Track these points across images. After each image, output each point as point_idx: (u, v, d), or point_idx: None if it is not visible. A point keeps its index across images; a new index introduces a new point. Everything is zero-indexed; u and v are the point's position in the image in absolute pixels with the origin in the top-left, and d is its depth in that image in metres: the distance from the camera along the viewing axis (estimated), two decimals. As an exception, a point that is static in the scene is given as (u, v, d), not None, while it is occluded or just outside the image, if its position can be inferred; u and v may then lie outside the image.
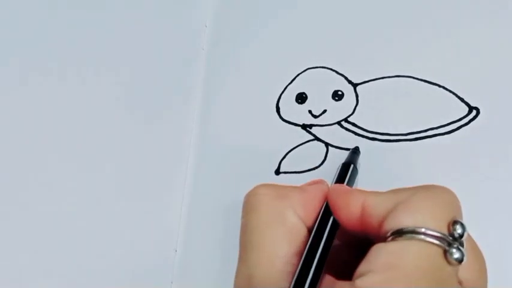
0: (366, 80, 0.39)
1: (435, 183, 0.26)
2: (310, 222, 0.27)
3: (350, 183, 0.32)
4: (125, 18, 0.46)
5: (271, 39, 0.42)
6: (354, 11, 0.41)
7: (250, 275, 0.26)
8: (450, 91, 0.37)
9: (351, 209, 0.26)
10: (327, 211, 0.28)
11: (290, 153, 0.38)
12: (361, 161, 0.37)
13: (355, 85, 0.39)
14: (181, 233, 0.38)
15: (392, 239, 0.24)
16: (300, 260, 0.26)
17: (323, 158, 0.37)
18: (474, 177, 0.34)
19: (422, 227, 0.23)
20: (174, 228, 0.38)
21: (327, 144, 0.38)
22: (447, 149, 0.35)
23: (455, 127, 0.36)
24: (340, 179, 0.31)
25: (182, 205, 0.39)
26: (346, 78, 0.39)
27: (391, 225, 0.24)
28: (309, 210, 0.28)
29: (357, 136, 0.37)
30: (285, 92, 0.40)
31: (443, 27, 0.39)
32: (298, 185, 0.30)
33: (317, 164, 0.37)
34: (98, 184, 0.40)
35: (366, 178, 0.36)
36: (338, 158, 0.37)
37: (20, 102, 0.44)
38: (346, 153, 0.37)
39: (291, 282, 0.25)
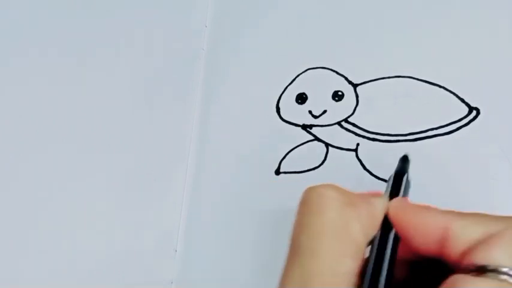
0: (366, 80, 0.39)
1: None
2: (370, 237, 0.25)
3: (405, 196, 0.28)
4: (125, 18, 0.46)
5: (271, 39, 0.42)
6: (354, 11, 0.41)
7: (307, 281, 0.23)
8: (450, 91, 0.37)
9: (429, 231, 0.24)
10: (386, 227, 0.25)
11: (290, 153, 0.38)
12: (362, 162, 0.37)
13: (355, 85, 0.39)
14: (181, 233, 0.38)
15: (477, 274, 0.22)
16: (357, 279, 0.23)
17: (323, 158, 0.37)
18: (474, 177, 0.34)
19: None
20: (174, 228, 0.38)
21: (327, 145, 0.38)
22: (447, 150, 0.35)
23: (455, 127, 0.36)
24: (394, 191, 0.28)
25: (182, 205, 0.39)
26: (346, 78, 0.39)
27: (478, 258, 0.22)
28: (373, 225, 0.25)
29: (357, 136, 0.37)
30: (285, 93, 0.40)
31: (443, 28, 0.39)
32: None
33: (317, 164, 0.37)
34: (98, 184, 0.40)
35: (366, 178, 0.36)
36: (338, 158, 0.37)
37: (20, 101, 0.44)
38: (346, 153, 0.37)
39: None
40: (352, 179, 0.36)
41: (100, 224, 0.39)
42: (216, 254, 0.37)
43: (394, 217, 0.25)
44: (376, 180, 0.36)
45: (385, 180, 0.36)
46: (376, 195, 0.27)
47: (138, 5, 0.46)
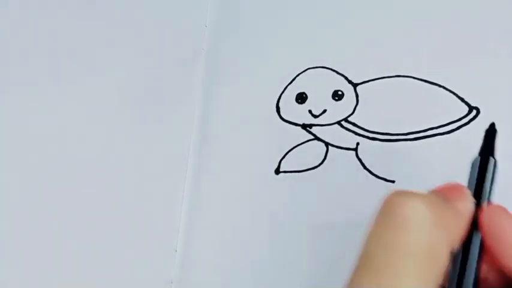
0: (366, 80, 0.39)
1: None
2: (455, 248, 0.23)
3: (491, 188, 0.25)
4: (125, 18, 0.46)
5: (271, 39, 0.42)
6: (354, 11, 0.41)
7: None
8: (450, 91, 0.37)
9: None
10: (471, 232, 0.23)
11: (290, 153, 0.38)
12: (362, 161, 0.37)
13: (355, 85, 0.39)
14: (181, 233, 0.38)
15: None
16: None
17: (323, 157, 0.37)
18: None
19: None
20: (174, 228, 0.38)
21: (327, 144, 0.38)
22: (447, 149, 0.35)
23: (455, 127, 0.36)
24: (479, 185, 0.25)
25: (182, 205, 0.39)
26: (346, 78, 0.39)
27: None
28: (460, 238, 0.23)
29: (357, 136, 0.37)
30: (285, 92, 0.40)
31: (443, 27, 0.39)
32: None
33: (317, 164, 0.37)
34: (98, 184, 0.40)
35: (366, 178, 0.36)
36: (338, 157, 0.37)
37: (15, 104, 0.44)
38: (346, 153, 0.37)
39: None
40: (352, 178, 0.36)
41: (100, 224, 0.39)
42: (216, 254, 0.37)
43: (488, 229, 0.23)
44: (376, 179, 0.36)
45: (385, 180, 0.36)
46: (458, 191, 0.24)
47: (138, 5, 0.46)
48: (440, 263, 0.21)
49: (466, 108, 0.36)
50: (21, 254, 0.39)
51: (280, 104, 0.40)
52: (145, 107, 0.42)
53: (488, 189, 0.24)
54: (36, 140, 0.42)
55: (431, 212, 0.22)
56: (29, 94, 0.44)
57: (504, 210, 0.24)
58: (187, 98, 0.42)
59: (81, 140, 0.42)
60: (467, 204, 0.23)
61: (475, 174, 0.24)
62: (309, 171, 0.37)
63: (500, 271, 0.23)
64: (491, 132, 0.26)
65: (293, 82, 0.40)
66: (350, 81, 0.39)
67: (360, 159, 0.36)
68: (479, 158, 0.25)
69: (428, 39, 0.39)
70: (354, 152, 0.37)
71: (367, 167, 0.36)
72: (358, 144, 0.37)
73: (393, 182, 0.35)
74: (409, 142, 0.36)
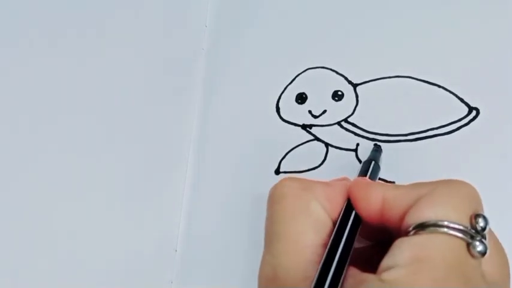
0: (366, 80, 0.39)
1: (453, 178, 0.26)
2: (334, 215, 0.27)
3: (372, 179, 0.32)
4: (125, 18, 0.46)
5: (271, 39, 0.42)
6: (354, 11, 0.41)
7: (276, 264, 0.25)
8: (450, 91, 0.37)
9: (371, 201, 0.26)
10: (349, 205, 0.28)
11: (290, 153, 0.38)
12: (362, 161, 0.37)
13: (355, 85, 0.39)
14: (181, 233, 0.38)
15: (415, 233, 0.24)
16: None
17: (323, 158, 0.37)
18: (474, 177, 0.34)
19: (445, 220, 0.23)
20: (174, 228, 0.38)
21: (327, 144, 0.38)
22: (447, 149, 0.35)
23: (455, 127, 0.36)
24: (362, 173, 0.32)
25: (182, 205, 0.39)
26: (346, 78, 0.39)
27: (414, 218, 0.24)
28: (333, 204, 0.27)
29: (356, 136, 0.37)
30: (285, 92, 0.40)
31: (443, 27, 0.39)
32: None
33: (317, 164, 0.37)
34: (98, 184, 0.40)
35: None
36: (338, 158, 0.37)
37: (20, 98, 0.44)
38: (346, 153, 0.37)
39: (317, 272, 0.24)
40: (352, 178, 0.36)
41: (100, 224, 0.39)
42: (216, 254, 0.37)
43: (350, 193, 0.28)
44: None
45: (385, 180, 0.36)
46: (340, 180, 0.30)
47: (138, 5, 0.46)
48: (312, 214, 0.26)
49: (466, 109, 0.36)
50: (21, 254, 0.39)
51: (280, 104, 0.40)
52: (146, 107, 0.42)
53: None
54: (35, 140, 0.42)
55: (296, 182, 0.28)
56: (29, 93, 0.44)
57: (365, 178, 0.31)
58: (188, 97, 0.42)
59: (81, 140, 0.42)
60: (340, 181, 0.29)
61: (359, 171, 0.32)
62: (309, 172, 0.37)
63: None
64: (377, 149, 0.35)
65: (293, 82, 0.40)
66: (350, 82, 0.39)
67: (359, 160, 0.37)
68: (364, 161, 0.33)
69: (428, 39, 0.39)
70: (353, 153, 0.37)
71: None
72: (358, 144, 0.37)
73: (393, 182, 0.35)
74: (409, 143, 0.36)
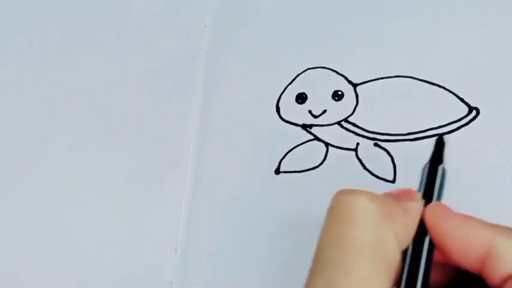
0: (366, 80, 0.39)
1: None
2: (405, 245, 0.23)
3: (440, 191, 0.25)
4: (125, 18, 0.46)
5: (271, 39, 0.42)
6: (354, 11, 0.41)
7: None
8: (450, 91, 0.37)
9: (470, 246, 0.22)
10: (421, 232, 0.23)
11: (290, 153, 0.38)
12: (361, 161, 0.37)
13: (355, 85, 0.39)
14: (181, 233, 0.38)
15: None
16: None
17: (323, 158, 0.37)
18: (474, 177, 0.34)
19: None
20: (174, 228, 0.38)
21: (327, 144, 0.38)
22: (447, 149, 0.35)
23: (455, 127, 0.36)
24: (429, 187, 0.25)
25: (182, 205, 0.39)
26: (346, 78, 0.39)
27: None
28: (409, 236, 0.23)
29: (357, 136, 0.37)
30: (285, 92, 0.40)
31: (443, 27, 0.39)
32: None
33: (317, 164, 0.37)
34: (98, 184, 0.40)
35: (366, 178, 0.36)
36: (338, 157, 0.37)
37: (19, 97, 0.44)
38: (346, 153, 0.37)
39: None
40: (352, 178, 0.36)
41: (100, 224, 0.39)
42: (216, 254, 0.37)
43: (431, 225, 0.23)
44: (377, 179, 0.36)
45: (385, 180, 0.36)
46: (409, 194, 0.24)
47: (138, 5, 0.46)
48: (389, 255, 0.22)
49: (466, 109, 0.36)
50: (20, 253, 0.39)
51: (280, 104, 0.40)
52: (145, 107, 0.42)
53: (437, 193, 0.25)
54: (35, 140, 0.42)
55: (377, 206, 0.22)
56: (29, 93, 0.44)
57: (445, 206, 0.24)
58: (187, 97, 0.42)
59: (80, 140, 0.42)
60: (415, 203, 0.24)
61: (425, 179, 0.25)
62: (309, 172, 0.37)
63: (447, 266, 0.24)
64: (440, 143, 0.27)
65: (293, 82, 0.40)
66: (350, 82, 0.39)
67: (359, 160, 0.37)
68: (428, 164, 0.26)
69: (428, 39, 0.39)
70: (353, 152, 0.37)
71: (367, 167, 0.36)
72: (358, 144, 0.37)
73: (393, 182, 0.35)
74: (409, 142, 0.36)
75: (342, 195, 0.23)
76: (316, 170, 0.37)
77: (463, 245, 0.22)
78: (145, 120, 0.42)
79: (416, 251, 0.23)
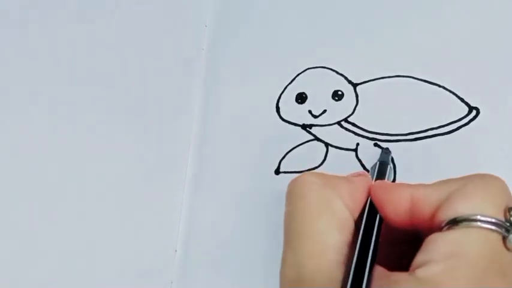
0: (366, 80, 0.39)
1: (486, 173, 0.26)
2: (356, 213, 0.27)
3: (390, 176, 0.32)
4: (125, 18, 0.46)
5: (271, 39, 0.42)
6: (354, 11, 0.42)
7: (300, 264, 0.25)
8: (450, 91, 0.37)
9: (399, 203, 0.26)
10: (372, 206, 0.27)
11: (290, 153, 0.38)
12: (361, 162, 0.37)
13: (355, 85, 0.39)
14: (181, 233, 0.38)
15: (448, 228, 0.24)
16: (349, 250, 0.25)
17: (323, 158, 0.37)
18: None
19: (478, 215, 0.23)
20: (174, 228, 0.38)
21: (327, 144, 0.38)
22: (447, 149, 0.35)
23: (455, 127, 0.36)
24: (380, 175, 0.31)
25: (182, 205, 0.39)
26: (346, 78, 0.39)
27: (447, 214, 0.24)
28: (356, 201, 0.27)
29: (357, 136, 0.37)
30: (285, 92, 0.40)
31: (443, 27, 0.39)
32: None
33: (317, 164, 0.37)
34: (98, 184, 0.40)
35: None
36: (338, 158, 0.37)
37: (18, 104, 0.44)
38: (346, 153, 0.37)
39: (346, 273, 0.24)
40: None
41: (100, 224, 0.39)
42: (216, 254, 0.37)
43: (373, 195, 0.27)
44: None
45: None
46: (360, 175, 0.29)
47: (138, 5, 0.46)
48: (338, 213, 0.26)
49: (466, 109, 0.36)
50: (20, 253, 0.39)
51: (280, 104, 0.40)
52: (146, 107, 0.42)
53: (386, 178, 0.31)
54: (35, 141, 0.42)
55: (318, 177, 0.27)
56: (29, 95, 0.44)
57: (384, 181, 0.30)
58: (188, 98, 0.42)
59: (80, 140, 0.42)
60: (361, 177, 0.29)
61: (375, 173, 0.32)
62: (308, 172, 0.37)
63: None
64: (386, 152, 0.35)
65: (293, 82, 0.40)
66: (350, 81, 0.39)
67: (359, 160, 0.37)
68: (378, 163, 0.33)
69: (429, 39, 0.39)
70: (353, 153, 0.37)
71: (367, 167, 0.36)
72: (358, 144, 0.37)
73: (393, 182, 0.35)
74: (409, 142, 0.36)
75: (292, 180, 0.27)
76: (316, 170, 0.37)
77: (393, 205, 0.26)
78: (145, 120, 0.42)
79: (368, 220, 0.27)
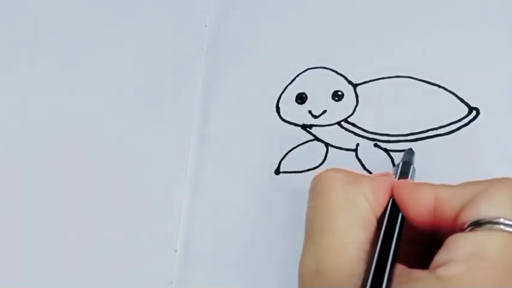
0: (366, 80, 0.39)
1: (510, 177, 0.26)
2: (378, 212, 0.27)
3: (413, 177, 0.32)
4: (125, 18, 0.46)
5: (272, 39, 0.42)
6: (354, 11, 0.41)
7: (320, 258, 0.25)
8: (450, 91, 0.37)
9: (421, 203, 0.26)
10: (394, 205, 0.27)
11: (290, 153, 0.38)
12: (361, 162, 0.37)
13: (355, 85, 0.39)
14: (181, 233, 0.38)
15: (471, 230, 0.24)
16: (370, 248, 0.25)
17: (323, 158, 0.37)
18: (474, 177, 0.34)
19: (502, 218, 0.23)
20: (174, 228, 0.38)
21: (327, 145, 0.38)
22: (447, 150, 0.35)
23: (456, 127, 0.36)
24: (403, 175, 0.31)
25: (182, 205, 0.39)
26: (346, 78, 0.39)
27: (470, 216, 0.24)
28: (379, 200, 0.27)
29: (357, 136, 0.37)
30: (285, 92, 0.40)
31: (443, 28, 0.39)
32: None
33: (317, 164, 0.37)
34: (98, 184, 0.40)
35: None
36: (338, 158, 0.37)
37: (17, 103, 0.44)
38: (346, 153, 0.37)
39: (367, 270, 0.24)
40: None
41: (100, 224, 0.39)
42: (216, 254, 0.37)
43: (396, 195, 0.27)
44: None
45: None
46: (383, 175, 0.29)
47: (138, 5, 0.46)
48: (362, 212, 0.26)
49: (466, 109, 0.36)
50: (19, 253, 0.39)
51: (280, 104, 0.40)
52: (145, 107, 0.42)
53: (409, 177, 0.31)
54: (37, 137, 0.42)
55: (342, 174, 0.27)
56: (31, 91, 0.44)
57: (407, 180, 0.30)
58: (187, 97, 0.42)
59: (80, 140, 0.42)
60: (385, 177, 0.29)
61: (399, 172, 0.32)
62: (309, 172, 0.37)
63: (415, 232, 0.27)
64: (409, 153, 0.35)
65: (293, 82, 0.40)
66: (350, 82, 0.39)
67: (359, 160, 0.37)
68: (401, 163, 0.33)
69: (428, 39, 0.39)
70: (354, 153, 0.37)
71: (367, 167, 0.36)
72: (358, 144, 0.37)
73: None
74: (409, 143, 0.36)
75: (316, 175, 0.28)
76: (316, 170, 0.37)
77: (416, 205, 0.26)
78: (145, 119, 0.42)
79: (391, 218, 0.27)
